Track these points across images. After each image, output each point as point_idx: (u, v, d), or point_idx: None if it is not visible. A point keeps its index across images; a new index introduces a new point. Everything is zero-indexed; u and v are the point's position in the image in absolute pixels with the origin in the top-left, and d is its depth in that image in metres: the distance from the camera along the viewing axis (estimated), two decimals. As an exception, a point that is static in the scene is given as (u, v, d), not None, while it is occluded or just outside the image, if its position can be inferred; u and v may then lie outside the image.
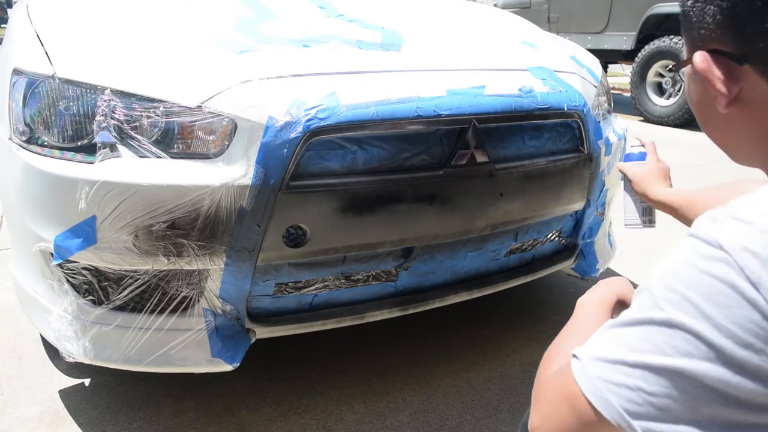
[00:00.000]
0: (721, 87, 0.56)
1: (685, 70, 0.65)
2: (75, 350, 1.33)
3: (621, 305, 0.78)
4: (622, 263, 2.48)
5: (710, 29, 0.56)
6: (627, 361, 0.51)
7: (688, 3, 0.59)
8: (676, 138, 5.63)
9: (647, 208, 1.27)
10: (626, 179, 1.26)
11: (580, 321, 0.75)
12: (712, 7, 0.56)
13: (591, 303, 0.78)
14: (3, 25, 9.40)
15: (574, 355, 0.57)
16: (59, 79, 1.29)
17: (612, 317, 0.75)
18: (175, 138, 1.27)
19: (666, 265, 0.52)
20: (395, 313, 1.53)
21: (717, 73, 0.56)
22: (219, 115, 1.25)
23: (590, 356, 0.55)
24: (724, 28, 0.55)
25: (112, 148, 1.25)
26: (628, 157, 1.26)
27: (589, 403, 0.53)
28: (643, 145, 1.26)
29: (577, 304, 0.79)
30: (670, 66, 0.74)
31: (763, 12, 0.52)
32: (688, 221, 1.09)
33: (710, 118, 0.63)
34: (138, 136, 1.25)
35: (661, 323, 0.49)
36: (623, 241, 2.38)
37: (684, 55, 0.65)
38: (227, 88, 1.27)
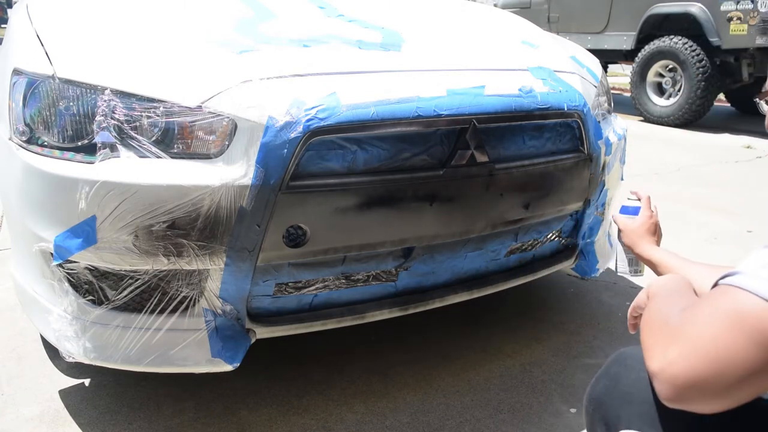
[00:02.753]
0: None
1: None
2: (75, 350, 1.33)
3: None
4: (622, 263, 2.48)
5: None
6: None
7: None
8: (676, 138, 5.63)
9: (633, 259, 1.36)
10: (619, 230, 1.34)
11: (669, 290, 0.76)
12: None
13: (670, 279, 0.81)
14: (3, 25, 9.39)
15: (731, 275, 0.55)
16: (59, 79, 1.29)
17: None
18: (175, 138, 1.27)
19: None
20: (395, 313, 1.53)
21: None
22: (219, 115, 1.25)
23: (760, 265, 0.53)
24: None
25: (112, 148, 1.25)
26: (623, 209, 1.33)
27: None
28: (639, 199, 1.33)
29: (652, 290, 0.80)
30: (759, 95, 0.81)
31: None
32: None
33: None
34: (138, 136, 1.25)
35: None
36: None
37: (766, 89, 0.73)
38: (227, 88, 1.27)
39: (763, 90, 0.74)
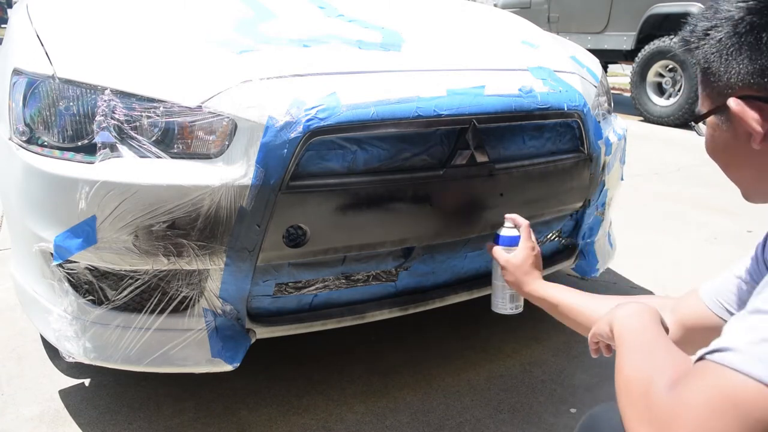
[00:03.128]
0: (756, 126, 0.65)
1: (708, 121, 0.73)
2: (75, 350, 1.33)
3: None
4: (622, 263, 2.48)
5: (739, 79, 0.67)
6: None
7: (714, 61, 0.69)
8: (676, 138, 5.63)
9: (514, 295, 1.23)
10: (497, 264, 1.20)
11: (643, 334, 0.70)
12: (741, 61, 0.66)
13: (637, 316, 0.74)
14: (3, 25, 9.39)
15: (719, 350, 0.51)
16: (59, 79, 1.29)
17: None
18: (175, 138, 1.27)
19: None
20: (395, 313, 1.53)
21: (751, 114, 0.66)
22: (219, 115, 1.25)
23: (750, 342, 0.49)
24: (755, 75, 0.65)
25: (112, 148, 1.25)
26: (500, 240, 1.18)
27: None
28: (516, 227, 1.18)
29: (617, 325, 0.75)
30: (692, 119, 0.80)
31: None
32: (571, 322, 1.04)
33: (738, 159, 0.72)
34: (138, 136, 1.25)
35: None
36: (623, 241, 2.38)
37: (701, 110, 0.74)
38: (227, 88, 1.27)
39: (696, 113, 0.74)
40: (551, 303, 1.08)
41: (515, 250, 1.16)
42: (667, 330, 0.77)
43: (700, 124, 0.75)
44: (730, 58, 0.67)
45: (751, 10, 0.66)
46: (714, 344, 0.51)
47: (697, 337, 0.90)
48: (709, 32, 0.70)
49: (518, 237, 1.17)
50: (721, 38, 0.68)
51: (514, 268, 1.15)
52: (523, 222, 1.18)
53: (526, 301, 1.24)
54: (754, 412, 0.47)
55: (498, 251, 1.19)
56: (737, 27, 0.66)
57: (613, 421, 0.67)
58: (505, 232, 1.19)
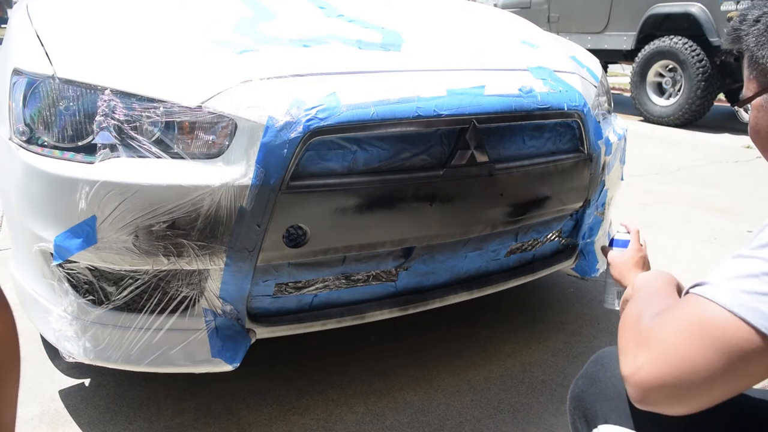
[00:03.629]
0: None
1: (754, 103, 0.76)
2: (75, 350, 1.33)
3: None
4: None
5: None
6: None
7: (762, 44, 0.72)
8: (676, 138, 5.63)
9: (622, 292, 1.30)
10: (608, 263, 1.31)
11: (648, 289, 0.80)
12: None
13: (654, 276, 0.85)
14: (3, 25, 9.39)
15: (699, 284, 0.59)
16: (59, 79, 1.29)
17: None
18: (175, 138, 1.27)
19: None
20: (395, 313, 1.53)
21: None
22: (219, 115, 1.25)
23: (725, 277, 0.56)
24: None
25: (112, 148, 1.25)
26: (613, 243, 1.30)
27: (739, 318, 0.53)
28: (628, 232, 1.30)
29: (636, 285, 0.85)
30: (737, 102, 0.87)
31: None
32: None
33: None
34: (138, 136, 1.25)
35: None
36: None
37: (746, 94, 0.77)
38: (227, 88, 1.27)
39: (740, 98, 0.77)
40: None
41: (624, 251, 1.27)
42: (680, 292, 0.84)
43: (742, 110, 0.78)
44: None
45: None
46: (698, 281, 0.59)
47: None
48: (759, 19, 0.74)
49: (628, 241, 1.28)
50: None
51: (618, 264, 1.23)
52: (634, 228, 1.30)
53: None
54: (717, 333, 0.55)
55: (609, 251, 1.30)
56: None
57: (617, 354, 0.73)
58: (618, 236, 1.30)
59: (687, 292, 0.59)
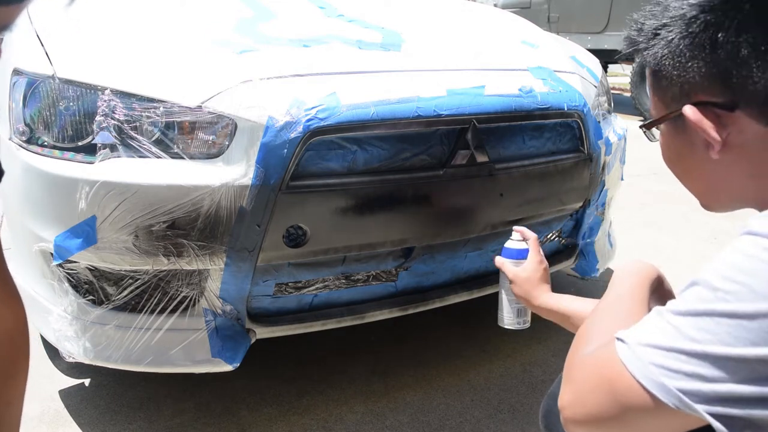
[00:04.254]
0: (714, 134, 0.60)
1: (661, 128, 0.68)
2: (75, 350, 1.33)
3: (659, 285, 0.80)
4: (622, 263, 2.48)
5: (694, 83, 0.61)
6: (684, 349, 0.53)
7: (666, 64, 0.63)
8: (676, 138, 5.63)
9: (522, 309, 1.19)
10: (505, 277, 1.16)
11: (616, 295, 0.76)
12: (696, 63, 0.60)
13: (629, 275, 0.78)
14: (3, 25, 9.36)
15: (619, 339, 0.58)
16: (59, 79, 1.29)
17: (650, 298, 0.76)
18: (175, 138, 1.27)
19: (723, 259, 0.54)
20: (395, 313, 1.52)
21: (708, 123, 0.60)
22: (219, 115, 1.25)
23: (640, 341, 0.56)
24: (711, 79, 0.60)
25: (112, 148, 1.25)
26: (507, 253, 1.15)
27: (642, 387, 0.54)
28: (524, 240, 1.15)
29: (612, 278, 0.80)
30: (641, 125, 0.72)
31: (749, 59, 0.57)
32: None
33: (695, 169, 0.67)
34: (138, 136, 1.25)
35: (723, 314, 0.51)
36: (623, 241, 2.38)
37: (652, 113, 0.69)
38: (227, 88, 1.27)
39: (645, 117, 0.71)
40: (563, 315, 1.05)
41: (524, 263, 1.12)
42: (662, 288, 0.80)
43: (653, 130, 0.70)
44: (684, 61, 0.61)
45: (704, 8, 0.59)
46: (622, 332, 0.58)
47: None
48: (658, 32, 0.63)
49: (527, 250, 1.13)
50: (672, 39, 0.62)
51: (522, 281, 1.10)
52: (532, 235, 1.14)
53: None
54: (622, 394, 0.56)
55: (506, 264, 1.14)
56: (690, 26, 0.60)
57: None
58: (513, 245, 1.14)
59: (617, 338, 0.59)
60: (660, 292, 0.80)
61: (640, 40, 0.66)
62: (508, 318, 1.19)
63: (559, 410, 0.63)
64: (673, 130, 0.67)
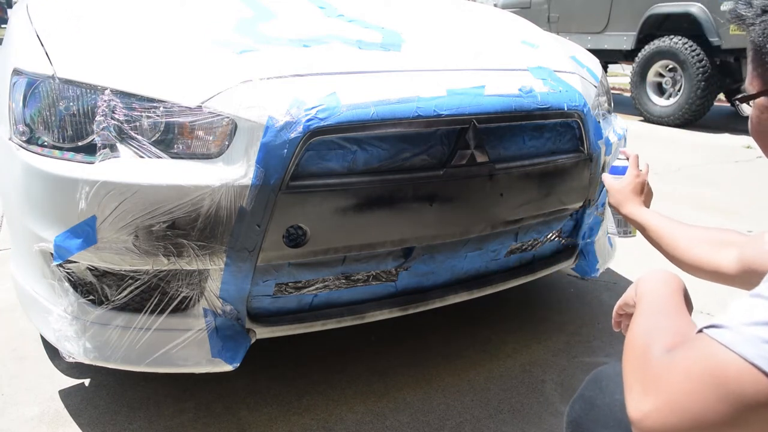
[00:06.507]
0: None
1: (757, 101, 0.71)
2: (75, 350, 1.33)
3: (686, 294, 0.79)
4: (622, 263, 2.48)
5: None
6: None
7: (762, 43, 0.66)
8: (676, 138, 5.63)
9: (621, 220, 1.32)
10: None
11: (656, 300, 0.74)
12: None
13: (661, 283, 0.77)
14: (3, 25, 9.39)
15: (715, 326, 0.54)
16: (59, 79, 1.29)
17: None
18: (175, 138, 1.27)
19: None
20: (395, 313, 1.53)
21: None
22: (219, 115, 1.25)
23: (743, 322, 0.52)
24: None
25: (112, 148, 1.25)
26: (612, 170, 1.30)
27: (757, 368, 0.50)
28: (627, 158, 1.29)
29: (640, 290, 0.78)
30: (737, 97, 0.80)
31: None
32: (656, 244, 1.14)
33: None
34: (138, 136, 1.25)
35: None
36: (623, 241, 2.38)
37: (749, 89, 0.72)
38: (227, 88, 1.27)
39: (742, 91, 0.73)
40: (641, 225, 1.17)
41: (622, 177, 1.27)
42: (688, 300, 0.79)
43: (744, 105, 0.73)
44: None
45: None
46: (714, 321, 0.54)
47: (754, 279, 0.87)
48: (767, 9, 0.66)
49: (627, 167, 1.27)
50: None
51: (615, 192, 1.23)
52: (632, 154, 1.28)
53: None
54: (732, 385, 0.50)
55: (607, 177, 1.29)
56: None
57: (618, 378, 0.70)
58: (617, 162, 1.30)
59: (701, 331, 0.55)
60: (688, 301, 0.79)
61: (749, 15, 0.69)
62: (611, 226, 1.37)
63: (633, 422, 0.58)
64: (765, 106, 0.70)
